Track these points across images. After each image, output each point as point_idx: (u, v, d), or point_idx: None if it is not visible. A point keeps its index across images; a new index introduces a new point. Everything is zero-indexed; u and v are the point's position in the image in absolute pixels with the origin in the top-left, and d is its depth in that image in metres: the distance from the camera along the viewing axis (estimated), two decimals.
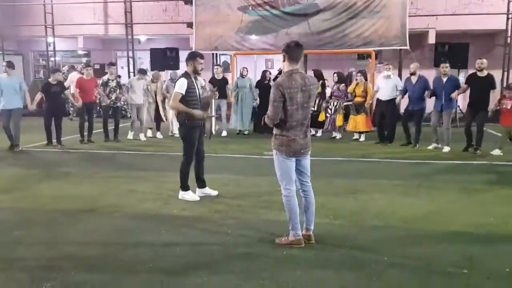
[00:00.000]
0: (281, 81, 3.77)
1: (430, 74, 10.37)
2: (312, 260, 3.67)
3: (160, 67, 12.47)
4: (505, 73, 13.52)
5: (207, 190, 5.69)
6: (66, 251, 3.94)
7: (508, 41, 13.45)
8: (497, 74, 13.44)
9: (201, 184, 5.68)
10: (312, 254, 3.78)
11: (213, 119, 5.81)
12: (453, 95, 8.58)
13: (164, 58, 13.37)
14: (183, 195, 5.50)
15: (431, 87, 8.98)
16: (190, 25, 14.25)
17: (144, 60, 17.08)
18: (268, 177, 6.22)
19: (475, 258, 3.65)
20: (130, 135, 10.56)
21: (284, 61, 3.83)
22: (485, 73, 8.40)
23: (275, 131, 3.92)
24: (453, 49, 12.37)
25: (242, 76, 11.33)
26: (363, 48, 12.96)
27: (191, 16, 14.12)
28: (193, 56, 5.36)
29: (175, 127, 11.12)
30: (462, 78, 13.81)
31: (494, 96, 8.50)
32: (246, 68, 11.61)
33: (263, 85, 11.24)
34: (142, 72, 10.81)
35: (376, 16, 12.66)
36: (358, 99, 9.99)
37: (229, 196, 5.66)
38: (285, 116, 3.76)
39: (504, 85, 11.94)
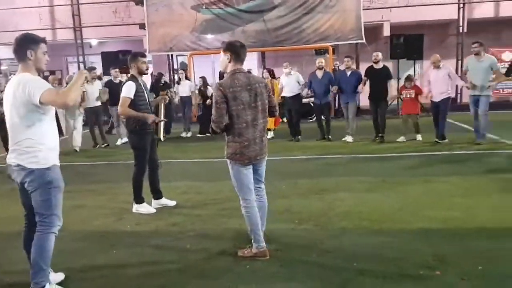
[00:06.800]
0: (222, 81, 3.51)
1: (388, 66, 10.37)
2: (277, 274, 3.39)
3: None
4: (459, 62, 13.77)
5: (164, 201, 5.31)
6: (2, 280, 3.50)
7: (460, 30, 13.69)
8: (451, 63, 13.70)
9: (157, 195, 5.30)
10: (277, 266, 3.50)
11: (162, 124, 5.43)
12: (359, 89, 9.04)
13: (116, 61, 12.85)
14: (138, 208, 5.10)
15: (334, 81, 9.34)
16: (142, 26, 13.79)
17: (97, 65, 16.41)
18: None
19: (446, 258, 3.47)
20: None
21: (229, 61, 3.53)
22: (381, 65, 8.93)
23: (226, 138, 3.60)
24: (408, 40, 12.51)
25: None
26: (320, 43, 12.91)
27: (143, 17, 13.65)
28: (134, 57, 4.98)
29: (78, 141, 9.66)
30: (418, 69, 14.04)
31: (391, 86, 8.94)
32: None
33: (157, 88, 10.07)
34: None
35: (331, 11, 12.63)
36: None
37: (188, 205, 5.31)
38: (231, 118, 3.45)
39: (459, 74, 12.11)
